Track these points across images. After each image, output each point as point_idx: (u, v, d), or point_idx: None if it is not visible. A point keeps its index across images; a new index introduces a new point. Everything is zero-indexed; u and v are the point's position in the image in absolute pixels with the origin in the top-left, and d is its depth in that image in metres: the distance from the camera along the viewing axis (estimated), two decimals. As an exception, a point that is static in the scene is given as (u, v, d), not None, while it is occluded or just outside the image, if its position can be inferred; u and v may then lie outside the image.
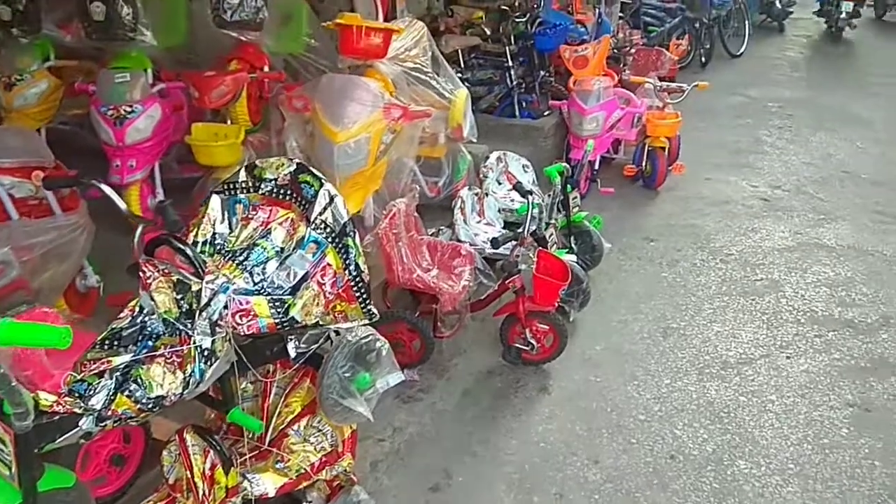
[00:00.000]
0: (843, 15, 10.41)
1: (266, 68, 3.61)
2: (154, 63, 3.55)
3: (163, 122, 3.40)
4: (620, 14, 7.94)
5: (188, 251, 1.57)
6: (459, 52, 5.74)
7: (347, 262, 1.75)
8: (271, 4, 3.86)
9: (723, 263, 4.20)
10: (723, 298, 3.82)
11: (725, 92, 7.93)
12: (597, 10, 6.70)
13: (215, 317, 1.53)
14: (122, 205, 2.22)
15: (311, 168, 1.79)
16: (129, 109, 3.28)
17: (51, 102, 3.90)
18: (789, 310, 3.71)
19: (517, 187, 3.41)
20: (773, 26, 11.68)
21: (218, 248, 1.82)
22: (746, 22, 10.10)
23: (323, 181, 1.77)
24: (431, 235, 3.75)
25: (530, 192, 3.28)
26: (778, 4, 11.50)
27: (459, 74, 5.62)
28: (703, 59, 9.03)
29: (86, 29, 3.34)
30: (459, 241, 3.53)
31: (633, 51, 6.95)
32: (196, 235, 1.84)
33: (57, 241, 2.61)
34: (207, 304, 1.53)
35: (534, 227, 3.43)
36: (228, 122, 3.49)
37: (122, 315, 1.63)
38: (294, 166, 1.81)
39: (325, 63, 3.86)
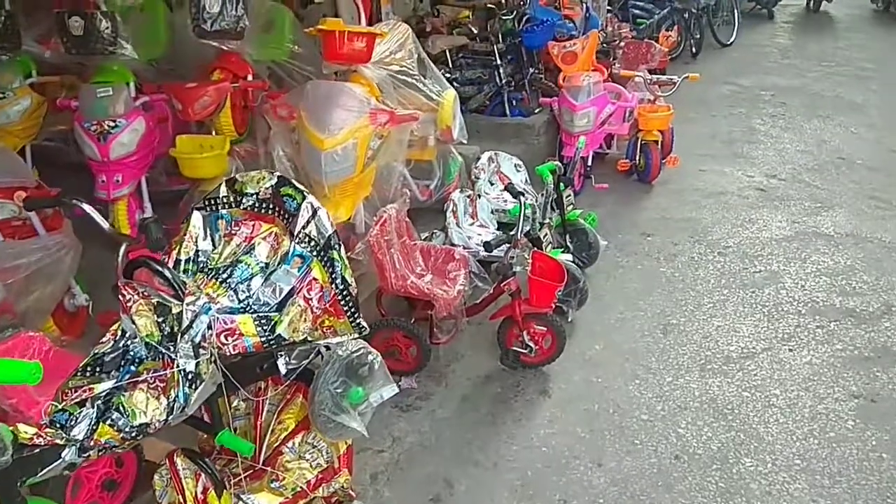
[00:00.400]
0: None
1: (249, 77, 3.55)
2: (137, 76, 3.50)
3: (147, 136, 3.35)
4: (609, 7, 7.89)
5: (167, 273, 1.52)
6: (447, 52, 5.70)
7: (334, 275, 1.70)
8: (253, 12, 3.82)
9: (721, 256, 4.16)
10: (722, 292, 3.77)
11: (717, 82, 7.90)
12: (584, 5, 6.64)
13: (198, 339, 1.49)
14: (104, 223, 2.17)
15: (293, 181, 1.74)
16: (112, 124, 3.23)
17: (34, 119, 3.84)
18: (790, 301, 3.67)
19: (508, 188, 3.36)
20: (763, 13, 11.66)
21: (201, 265, 1.77)
22: (735, 10, 10.08)
23: (305, 194, 1.72)
24: (424, 240, 3.70)
25: (522, 193, 3.24)
26: (766, -10, 11.50)
27: (448, 74, 5.59)
28: (694, 50, 9.00)
29: (65, 44, 3.28)
30: (453, 244, 3.49)
31: (622, 44, 6.91)
32: (178, 253, 1.79)
33: (42, 261, 2.56)
34: (189, 327, 1.48)
35: (528, 228, 3.39)
36: (213, 133, 3.43)
37: (104, 339, 1.58)
38: (275, 179, 1.76)
39: (310, 69, 3.81)
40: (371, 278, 3.08)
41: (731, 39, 9.72)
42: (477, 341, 3.33)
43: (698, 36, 9.05)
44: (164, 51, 3.84)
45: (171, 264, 1.78)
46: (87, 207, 2.18)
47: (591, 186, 5.00)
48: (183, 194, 3.52)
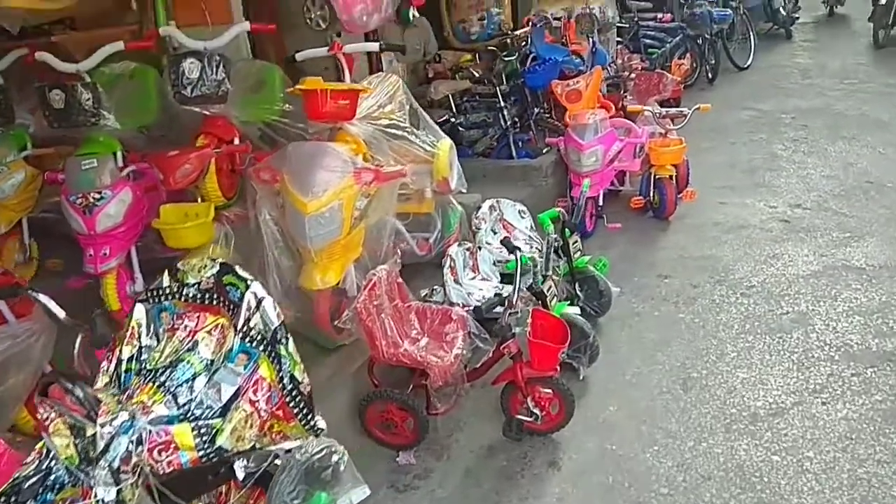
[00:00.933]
0: None
1: (236, 140, 3.46)
2: (126, 144, 3.44)
3: (135, 205, 3.26)
4: (619, 39, 7.76)
5: (77, 391, 1.36)
6: (450, 96, 5.60)
7: (281, 374, 1.53)
8: (243, 73, 3.75)
9: (744, 297, 3.89)
10: (747, 338, 3.50)
11: (735, 107, 7.67)
12: (591, 40, 6.50)
13: (116, 463, 1.32)
14: (60, 313, 2.05)
15: (237, 268, 1.59)
16: (98, 196, 3.16)
17: (29, 192, 3.82)
18: (820, 346, 3.38)
19: (504, 242, 3.18)
20: (780, 33, 11.40)
21: (143, 364, 1.62)
22: (751, 32, 9.84)
23: (249, 282, 1.56)
24: (424, 297, 3.54)
25: (518, 248, 3.05)
26: (783, 11, 11.24)
27: (452, 119, 5.49)
28: (710, 75, 8.79)
29: (47, 117, 3.24)
30: (451, 303, 3.31)
31: (632, 76, 6.75)
32: (121, 352, 1.64)
33: (10, 350, 2.44)
34: (105, 450, 1.31)
35: (529, 282, 3.20)
36: (199, 199, 3.34)
37: (28, 459, 1.43)
38: (217, 267, 1.62)
39: (302, 126, 3.69)
40: (364, 345, 2.91)
41: (748, 62, 9.48)
42: (480, 406, 3.11)
43: (713, 61, 8.84)
44: (154, 117, 3.79)
45: (113, 363, 1.63)
46: (42, 298, 2.06)
47: (604, 227, 4.80)
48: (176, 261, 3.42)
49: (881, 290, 3.81)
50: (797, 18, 11.76)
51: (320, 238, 2.90)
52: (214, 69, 3.21)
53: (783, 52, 10.53)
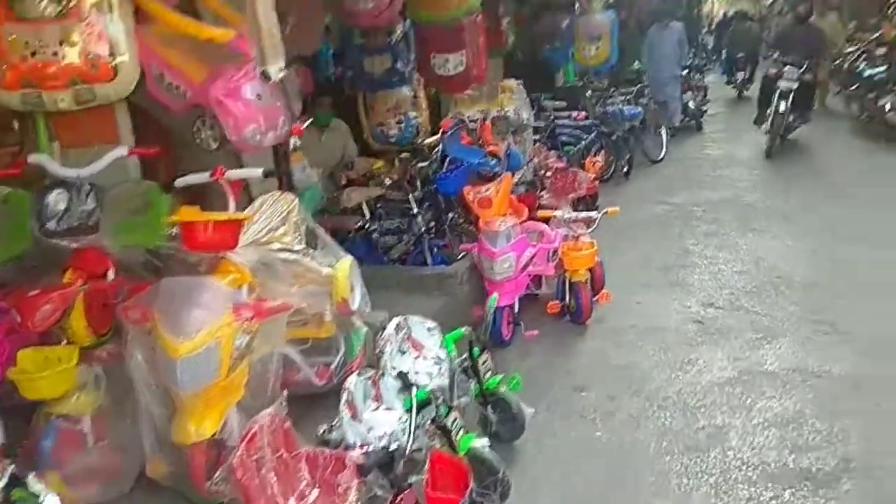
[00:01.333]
0: (739, 81, 14.69)
1: (110, 272, 3.20)
2: (-5, 277, 3.15)
3: (-7, 350, 2.94)
4: (536, 137, 7.92)
5: None
6: (365, 203, 5.50)
7: None
8: (126, 195, 3.53)
9: (661, 410, 3.77)
10: (664, 459, 3.35)
11: (649, 200, 7.86)
12: (506, 142, 6.58)
13: None
14: None
15: (29, 479, 1.34)
16: (-51, 343, 2.83)
17: None
18: (738, 465, 3.25)
19: (400, 377, 2.99)
20: (692, 125, 11.97)
21: None
22: (663, 127, 10.29)
23: (42, 497, 1.31)
24: (322, 434, 3.25)
25: (414, 385, 2.86)
26: (692, 104, 11.86)
27: (367, 226, 5.38)
28: (626, 169, 9.04)
29: None
30: (348, 446, 3.04)
31: (549, 174, 6.84)
32: None
33: None
34: None
35: (433, 414, 3.00)
36: (65, 340, 3.04)
37: None
38: (6, 479, 1.35)
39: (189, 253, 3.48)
40: None
41: (661, 155, 9.85)
42: (381, 562, 2.80)
43: (629, 156, 9.14)
44: (30, 244, 3.50)
45: None
46: None
47: (522, 334, 4.67)
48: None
49: (794, 397, 3.76)
50: (706, 111, 12.43)
51: (194, 382, 2.65)
52: (84, 198, 3.01)
53: (695, 143, 11.02)
